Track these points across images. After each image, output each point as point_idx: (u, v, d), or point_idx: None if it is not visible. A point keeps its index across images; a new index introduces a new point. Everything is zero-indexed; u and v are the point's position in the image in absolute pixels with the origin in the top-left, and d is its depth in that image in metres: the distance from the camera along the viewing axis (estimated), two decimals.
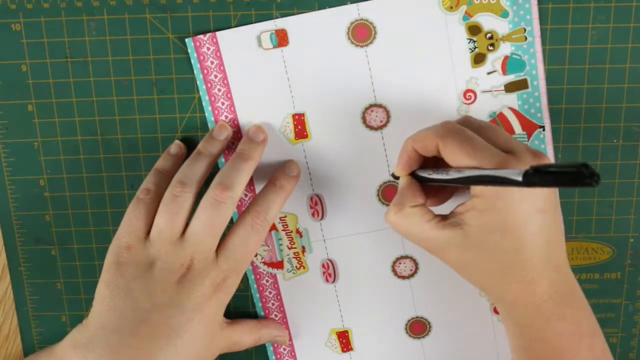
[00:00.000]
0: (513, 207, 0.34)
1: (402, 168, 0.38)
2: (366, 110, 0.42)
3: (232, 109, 0.42)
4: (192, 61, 0.42)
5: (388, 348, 0.46)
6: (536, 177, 0.29)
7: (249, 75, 0.42)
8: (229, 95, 0.42)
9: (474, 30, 0.41)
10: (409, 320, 0.46)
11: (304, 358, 0.46)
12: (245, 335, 0.43)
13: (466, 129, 0.36)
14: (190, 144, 0.43)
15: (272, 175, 0.42)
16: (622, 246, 0.45)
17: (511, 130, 0.42)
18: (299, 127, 0.42)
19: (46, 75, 0.42)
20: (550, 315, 0.35)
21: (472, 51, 0.41)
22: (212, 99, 0.42)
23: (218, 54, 0.41)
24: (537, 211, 0.34)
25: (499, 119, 0.42)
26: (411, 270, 0.45)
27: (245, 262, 0.40)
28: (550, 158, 0.42)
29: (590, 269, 0.45)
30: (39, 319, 0.47)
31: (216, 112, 0.42)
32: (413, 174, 0.39)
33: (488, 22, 0.41)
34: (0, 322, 0.47)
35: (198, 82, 0.42)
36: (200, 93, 0.42)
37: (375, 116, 0.42)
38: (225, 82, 0.42)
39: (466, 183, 0.34)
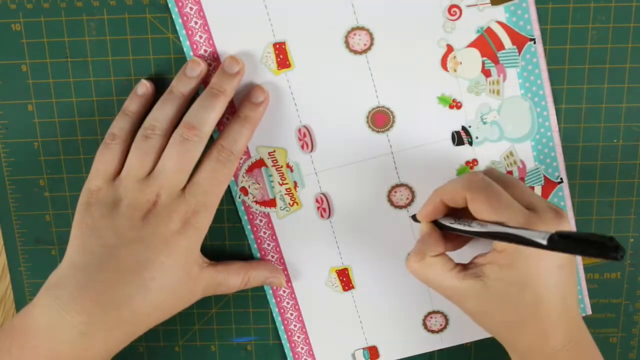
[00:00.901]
0: (533, 264, 0.35)
1: (426, 216, 0.39)
2: (349, 34, 0.41)
3: (211, 42, 0.41)
4: (170, 5, 0.40)
5: (391, 284, 0.45)
6: (561, 242, 0.30)
7: (226, 5, 0.40)
8: (206, 28, 0.41)
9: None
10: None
11: (304, 300, 0.46)
12: (231, 277, 0.42)
13: (494, 182, 0.37)
14: (159, 84, 0.42)
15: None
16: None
17: (500, 45, 0.41)
18: (281, 56, 0.41)
19: (46, 75, 0.42)
20: None
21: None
22: (190, 32, 0.41)
23: None
24: (556, 267, 0.35)
25: (487, 34, 0.41)
26: (407, 198, 0.44)
27: (214, 197, 0.39)
28: (548, 96, 0.42)
29: (590, 269, 0.45)
30: None
31: (194, 46, 0.41)
32: (435, 222, 0.39)
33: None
34: (0, 322, 0.47)
35: (173, 16, 0.41)
36: (177, 27, 0.41)
37: (358, 39, 0.41)
38: (202, 14, 0.41)
39: (489, 237, 0.35)
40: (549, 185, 0.43)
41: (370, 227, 0.44)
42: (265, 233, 0.44)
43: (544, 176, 0.43)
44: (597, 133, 0.43)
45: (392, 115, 0.42)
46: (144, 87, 0.41)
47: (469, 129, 0.42)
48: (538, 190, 0.43)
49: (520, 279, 0.35)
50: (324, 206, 0.44)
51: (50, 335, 0.36)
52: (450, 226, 0.38)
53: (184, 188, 0.39)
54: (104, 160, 0.39)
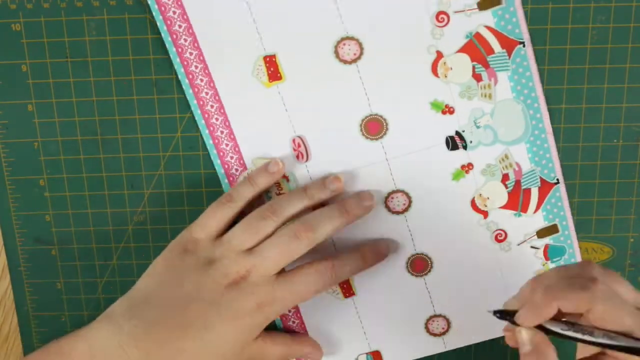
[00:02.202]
0: None
1: (537, 321, 0.33)
2: (338, 44, 0.41)
3: (201, 57, 0.41)
4: (154, 13, 0.40)
5: (391, 289, 0.45)
6: None
7: (214, 22, 0.40)
8: (195, 45, 0.41)
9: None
10: (409, 258, 0.45)
11: (306, 307, 0.46)
12: (277, 349, 0.43)
13: (614, 289, 0.33)
14: (289, 162, 0.43)
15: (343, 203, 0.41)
16: (622, 246, 0.45)
17: (490, 50, 0.41)
18: (272, 69, 0.41)
19: (46, 75, 0.42)
20: None
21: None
22: (180, 50, 0.41)
23: (179, 3, 0.40)
24: None
25: (476, 39, 0.41)
26: (404, 204, 0.44)
27: (297, 301, 0.41)
28: (541, 98, 0.41)
29: None
30: (39, 319, 0.47)
31: (185, 62, 0.41)
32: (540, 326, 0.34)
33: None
34: (0, 322, 0.47)
35: (162, 35, 0.41)
36: (167, 46, 0.41)
37: (348, 49, 0.41)
38: (190, 31, 0.41)
39: (623, 351, 0.32)
40: (546, 186, 0.43)
41: (368, 234, 0.44)
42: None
43: (540, 178, 0.43)
44: (597, 133, 0.43)
45: (385, 122, 0.42)
46: (275, 166, 0.42)
47: (463, 134, 0.42)
48: (535, 191, 0.43)
49: None
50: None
51: None
52: (563, 333, 0.33)
53: (276, 275, 0.40)
54: (215, 217, 0.40)
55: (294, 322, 0.46)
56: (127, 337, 0.37)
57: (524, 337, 0.34)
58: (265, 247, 0.39)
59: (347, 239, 0.44)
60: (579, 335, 0.32)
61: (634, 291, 0.34)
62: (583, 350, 0.35)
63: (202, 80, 0.42)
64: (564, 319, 0.33)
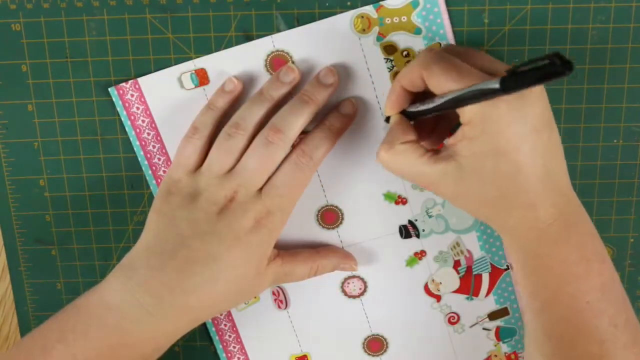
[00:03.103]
0: (504, 130, 0.32)
1: (391, 107, 0.38)
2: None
3: (164, 150, 0.43)
4: (118, 109, 0.42)
5: None
6: (512, 80, 0.29)
7: (175, 117, 0.42)
8: (158, 138, 0.43)
9: (389, 49, 0.41)
10: (365, 339, 0.46)
11: None
12: (298, 267, 0.42)
13: (450, 55, 0.34)
14: (247, 82, 0.42)
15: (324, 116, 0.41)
16: (622, 246, 0.45)
17: None
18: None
19: (46, 75, 0.42)
20: (555, 240, 0.34)
21: (391, 70, 0.41)
22: (143, 143, 0.43)
23: (142, 99, 0.42)
24: (530, 131, 0.33)
25: None
26: (360, 289, 0.45)
27: (290, 201, 0.40)
28: None
29: None
30: (39, 319, 0.47)
31: (148, 155, 0.43)
32: (403, 112, 0.38)
33: (403, 40, 0.41)
34: (0, 322, 0.47)
35: (127, 129, 0.43)
36: (131, 139, 0.43)
37: None
38: (153, 125, 0.42)
39: (450, 107, 0.33)
40: (496, 272, 0.44)
41: (325, 315, 0.45)
42: (226, 325, 0.46)
43: (491, 264, 0.44)
44: (597, 133, 0.43)
45: (340, 212, 0.43)
46: (231, 83, 0.41)
47: (416, 223, 0.44)
48: (486, 277, 0.44)
49: (492, 148, 0.33)
50: (281, 298, 0.45)
51: (120, 313, 0.37)
52: (416, 110, 0.37)
53: (261, 189, 0.39)
54: (185, 153, 0.40)
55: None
56: (137, 286, 0.37)
57: (390, 122, 0.38)
58: (243, 163, 0.39)
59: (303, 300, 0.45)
60: (424, 107, 0.35)
61: (493, 59, 0.35)
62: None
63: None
64: (420, 100, 0.36)
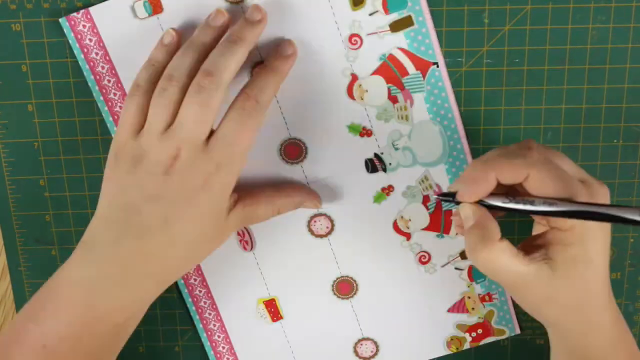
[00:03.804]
0: (597, 241, 0.35)
1: (474, 194, 0.34)
2: (252, 70, 0.41)
3: (119, 85, 0.41)
4: (70, 42, 0.41)
5: (318, 312, 0.45)
6: None
7: (130, 49, 0.40)
8: (113, 72, 0.41)
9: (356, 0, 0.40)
10: (334, 281, 0.45)
11: (234, 332, 0.46)
12: (260, 207, 0.40)
13: (551, 158, 0.35)
14: (185, 32, 0.40)
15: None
16: (622, 246, 0.45)
17: (404, 72, 0.41)
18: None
19: (46, 75, 0.42)
20: (611, 341, 0.37)
21: None
22: (98, 77, 0.41)
23: (95, 30, 0.40)
24: (608, 244, 0.36)
25: (390, 61, 0.41)
26: (327, 227, 0.44)
27: (240, 149, 0.37)
28: (457, 119, 0.41)
29: None
30: None
31: (104, 90, 0.42)
32: (480, 201, 0.35)
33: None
34: (0, 322, 0.47)
35: (80, 63, 0.41)
36: (85, 73, 0.41)
37: None
38: (107, 58, 0.41)
39: (565, 216, 0.33)
40: None
41: (293, 257, 0.45)
42: (196, 280, 0.45)
43: None
44: (597, 133, 0.43)
45: (304, 146, 0.42)
46: (169, 36, 0.39)
47: (382, 156, 0.42)
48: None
49: (584, 256, 0.34)
50: (246, 239, 0.44)
51: (86, 287, 0.37)
52: (504, 206, 0.34)
53: (207, 141, 0.37)
54: (128, 112, 0.38)
55: (224, 347, 0.46)
56: (99, 258, 0.37)
57: (467, 212, 0.35)
58: (180, 116, 0.36)
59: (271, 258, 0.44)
60: (520, 206, 0.33)
61: (575, 166, 0.36)
62: (537, 227, 0.37)
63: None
64: (505, 194, 0.34)
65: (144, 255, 0.37)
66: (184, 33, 0.40)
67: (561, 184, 0.33)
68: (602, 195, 0.35)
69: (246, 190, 0.40)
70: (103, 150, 0.44)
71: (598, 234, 0.34)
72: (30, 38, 0.42)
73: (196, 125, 0.36)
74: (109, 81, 0.41)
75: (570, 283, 0.35)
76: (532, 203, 0.33)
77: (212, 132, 0.37)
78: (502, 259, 0.34)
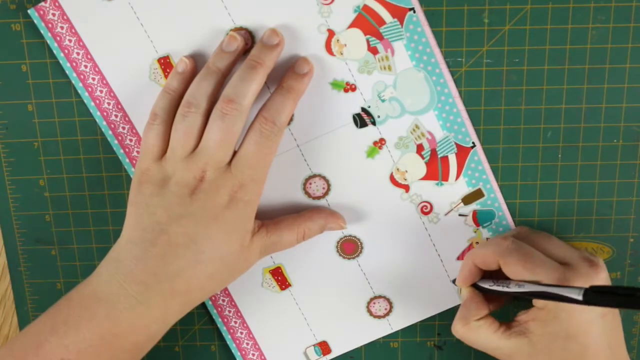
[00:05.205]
0: (575, 316, 0.37)
1: (464, 281, 0.42)
2: (229, 33, 0.40)
3: (97, 69, 0.41)
4: (42, 31, 0.41)
5: (326, 274, 0.45)
6: (596, 297, 0.32)
7: (103, 31, 0.40)
8: (89, 57, 0.41)
9: None
10: (338, 242, 0.44)
11: (244, 304, 0.46)
12: (285, 233, 0.41)
13: (523, 243, 0.39)
14: (199, 59, 0.41)
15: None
16: (622, 246, 0.45)
17: (381, 21, 0.40)
18: (168, 70, 0.41)
19: (46, 75, 0.42)
20: None
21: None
22: (74, 64, 0.41)
23: (65, 17, 0.40)
24: (597, 316, 0.37)
25: (365, 11, 0.40)
26: (324, 188, 0.43)
27: (261, 170, 0.39)
28: (441, 63, 0.41)
29: None
30: None
31: (82, 76, 0.41)
32: (474, 285, 0.42)
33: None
34: (0, 322, 0.47)
35: (55, 51, 0.41)
36: (60, 62, 0.41)
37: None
38: (81, 44, 0.41)
39: (528, 296, 0.37)
40: (463, 151, 0.42)
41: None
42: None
43: (455, 143, 0.42)
44: (597, 133, 0.43)
45: None
46: (183, 64, 0.40)
47: (369, 109, 0.42)
48: (453, 158, 0.43)
49: (564, 332, 0.37)
50: None
51: (110, 304, 0.38)
52: (489, 289, 0.40)
53: (230, 163, 0.39)
54: (148, 141, 0.39)
55: (236, 322, 0.46)
56: (124, 275, 0.38)
57: (462, 294, 0.42)
58: (204, 141, 0.38)
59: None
60: (499, 288, 0.39)
61: (564, 247, 0.40)
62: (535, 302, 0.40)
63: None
64: (491, 277, 0.41)
65: (169, 274, 0.38)
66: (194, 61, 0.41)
67: (528, 269, 0.38)
68: (583, 271, 0.37)
69: (270, 218, 0.42)
70: (103, 151, 0.44)
71: (575, 312, 0.37)
72: (30, 38, 0.42)
73: (220, 149, 0.38)
74: (85, 66, 0.41)
75: (550, 356, 0.38)
76: (507, 285, 0.39)
77: (234, 153, 0.39)
78: (478, 335, 0.40)
